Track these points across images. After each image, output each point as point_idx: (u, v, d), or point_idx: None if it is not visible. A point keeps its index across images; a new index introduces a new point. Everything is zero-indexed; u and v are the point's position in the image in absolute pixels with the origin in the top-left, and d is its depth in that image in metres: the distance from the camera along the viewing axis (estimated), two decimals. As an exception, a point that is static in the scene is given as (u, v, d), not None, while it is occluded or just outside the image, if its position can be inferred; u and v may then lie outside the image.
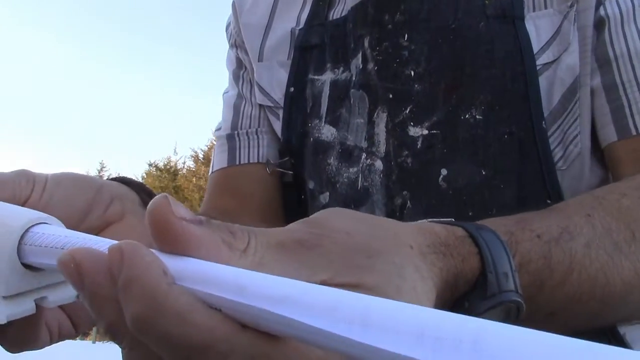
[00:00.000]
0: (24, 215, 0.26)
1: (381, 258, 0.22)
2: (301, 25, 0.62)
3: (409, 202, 0.48)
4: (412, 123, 0.49)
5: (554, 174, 0.47)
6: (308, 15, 0.62)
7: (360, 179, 0.52)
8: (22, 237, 0.26)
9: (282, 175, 0.60)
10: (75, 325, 0.34)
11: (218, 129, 0.67)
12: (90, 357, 12.41)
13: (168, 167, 23.83)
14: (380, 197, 0.50)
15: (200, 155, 24.66)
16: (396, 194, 0.49)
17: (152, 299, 0.18)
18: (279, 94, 0.60)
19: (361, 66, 0.52)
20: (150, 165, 24.82)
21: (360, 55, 0.53)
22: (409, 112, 0.49)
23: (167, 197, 0.20)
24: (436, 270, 0.24)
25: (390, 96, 0.50)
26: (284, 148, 0.59)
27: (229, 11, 0.69)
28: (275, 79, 0.61)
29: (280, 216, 0.61)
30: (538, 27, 0.49)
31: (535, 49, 0.48)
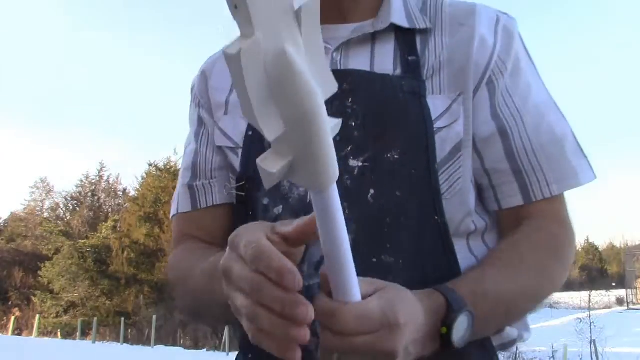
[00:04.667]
0: None
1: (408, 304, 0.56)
2: None
3: (347, 210, 0.66)
4: (352, 157, 0.70)
5: (441, 200, 0.70)
6: None
7: (309, 195, 0.69)
8: None
9: (235, 196, 0.78)
10: None
11: (182, 174, 0.87)
12: (91, 357, 12.39)
13: (168, 167, 23.70)
14: None
15: (200, 155, 24.45)
16: None
17: None
18: (239, 138, 0.78)
19: None
20: (150, 165, 24.61)
21: None
22: (350, 149, 0.70)
23: None
24: (425, 306, 0.59)
25: (338, 138, 0.64)
26: (241, 175, 0.77)
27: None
28: (237, 128, 0.79)
29: None
30: (435, 104, 0.73)
31: (434, 117, 0.71)
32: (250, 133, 0.75)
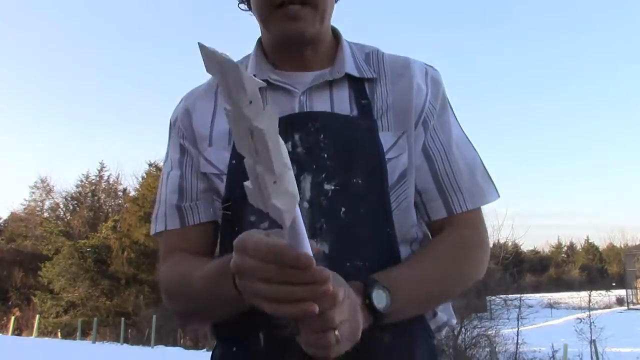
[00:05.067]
0: None
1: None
2: None
3: (324, 225, 0.85)
4: (326, 182, 0.87)
5: (391, 214, 0.88)
6: None
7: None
8: None
9: (222, 215, 0.93)
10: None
11: (168, 196, 0.99)
12: (91, 357, 12.39)
13: (168, 167, 23.64)
14: (307, 223, 0.78)
15: (200, 155, 24.36)
16: (317, 220, 0.85)
17: None
18: (223, 166, 0.92)
19: (291, 149, 0.88)
20: (150, 165, 24.64)
21: (290, 143, 0.88)
22: (324, 176, 0.87)
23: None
24: (356, 293, 0.75)
25: (314, 167, 0.88)
26: (226, 197, 0.91)
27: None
28: (221, 157, 0.93)
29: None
30: (385, 139, 0.91)
31: (385, 149, 0.90)
32: (234, 162, 0.91)
